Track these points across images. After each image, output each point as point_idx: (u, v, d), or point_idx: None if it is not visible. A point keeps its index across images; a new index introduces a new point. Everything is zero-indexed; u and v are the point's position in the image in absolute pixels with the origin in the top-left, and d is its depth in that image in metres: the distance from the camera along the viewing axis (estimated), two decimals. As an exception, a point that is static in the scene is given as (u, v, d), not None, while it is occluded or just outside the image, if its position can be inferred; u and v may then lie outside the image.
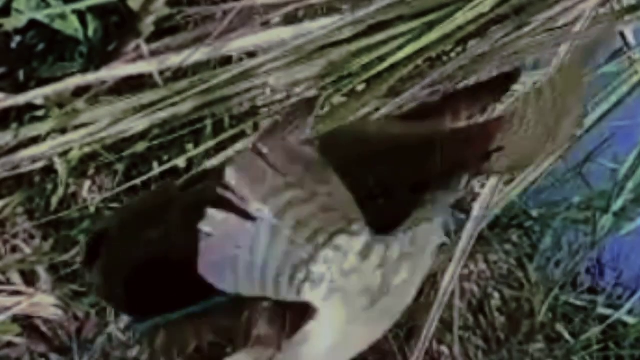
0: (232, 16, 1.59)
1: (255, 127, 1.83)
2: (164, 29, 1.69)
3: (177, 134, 1.79)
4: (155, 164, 1.91)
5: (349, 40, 1.55)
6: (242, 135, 1.82)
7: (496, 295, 2.31)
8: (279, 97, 1.78)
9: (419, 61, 1.52)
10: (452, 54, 1.50)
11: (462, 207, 1.61)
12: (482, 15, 1.50)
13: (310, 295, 0.63)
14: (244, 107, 1.77)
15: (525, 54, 1.44)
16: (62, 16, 1.61)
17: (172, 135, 1.79)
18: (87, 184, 1.91)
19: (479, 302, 2.30)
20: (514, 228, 2.23)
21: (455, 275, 1.47)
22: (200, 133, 1.84)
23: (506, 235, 2.24)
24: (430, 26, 1.48)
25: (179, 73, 1.72)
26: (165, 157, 1.91)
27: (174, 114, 1.72)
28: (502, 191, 1.56)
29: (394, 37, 1.50)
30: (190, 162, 1.90)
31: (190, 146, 1.90)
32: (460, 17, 1.47)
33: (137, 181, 1.83)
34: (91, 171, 1.90)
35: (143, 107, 1.71)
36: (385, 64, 1.49)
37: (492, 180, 1.56)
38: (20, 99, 1.68)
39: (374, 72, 1.50)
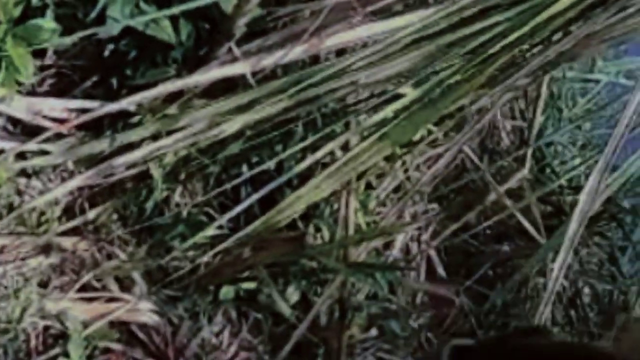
0: (324, 14, 1.59)
1: (347, 126, 1.82)
2: (255, 30, 1.69)
3: (269, 135, 1.78)
4: (245, 168, 1.91)
5: (442, 33, 1.53)
6: (332, 135, 1.81)
7: (587, 290, 2.27)
8: (369, 94, 1.77)
9: (517, 50, 1.49)
10: (552, 40, 1.47)
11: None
12: (579, 2, 1.48)
13: None
14: (335, 105, 1.76)
15: (628, 36, 1.41)
16: (156, 22, 1.62)
17: (264, 136, 1.78)
18: (179, 189, 1.92)
19: (570, 297, 2.26)
20: (605, 220, 2.18)
21: (564, 265, 1.43)
22: (291, 134, 1.84)
23: (597, 227, 2.19)
24: (527, 14, 1.46)
25: (271, 74, 1.72)
26: (255, 159, 1.91)
27: (266, 115, 1.72)
28: (605, 184, 1.53)
29: (491, 27, 1.48)
30: (281, 164, 1.90)
31: (279, 147, 1.90)
32: (559, 3, 1.45)
33: (228, 186, 1.83)
34: (182, 176, 1.91)
35: (236, 110, 1.71)
36: (483, 55, 1.47)
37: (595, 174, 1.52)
38: (114, 107, 1.70)
39: (471, 63, 1.47)
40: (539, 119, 1.75)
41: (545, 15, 1.43)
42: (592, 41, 1.44)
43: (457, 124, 1.83)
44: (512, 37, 1.44)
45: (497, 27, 1.51)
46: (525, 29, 1.43)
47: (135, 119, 1.75)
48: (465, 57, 1.54)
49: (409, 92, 1.59)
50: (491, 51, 1.46)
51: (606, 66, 1.91)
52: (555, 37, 1.52)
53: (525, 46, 1.51)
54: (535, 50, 1.52)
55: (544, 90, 1.66)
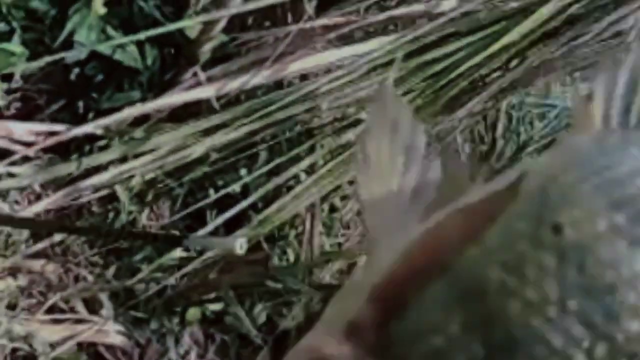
0: (288, 40, 1.62)
1: (311, 149, 1.85)
2: (219, 56, 1.72)
3: (233, 158, 1.81)
4: (210, 190, 1.94)
5: (404, 59, 1.57)
6: (297, 158, 1.84)
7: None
8: (332, 118, 1.80)
9: (475, 76, 1.53)
10: (509, 67, 1.51)
11: None
12: (534, 29, 1.52)
13: None
14: (299, 129, 1.79)
15: (581, 63, 1.45)
16: (122, 47, 1.65)
17: (229, 159, 1.81)
18: (146, 211, 1.94)
19: None
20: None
21: None
22: (256, 158, 1.87)
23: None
24: (484, 42, 1.50)
25: (235, 98, 1.75)
26: (221, 183, 1.93)
27: (231, 138, 1.75)
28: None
29: (450, 54, 1.52)
30: (246, 187, 1.92)
31: (244, 170, 1.93)
32: (514, 32, 1.49)
33: (194, 208, 1.85)
34: (149, 199, 1.93)
35: (201, 133, 1.74)
36: (443, 80, 1.51)
37: None
38: (81, 130, 1.72)
39: (431, 88, 1.51)
40: (499, 142, 1.79)
41: (501, 43, 1.47)
42: (547, 68, 1.48)
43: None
44: (470, 64, 1.48)
45: (456, 54, 1.55)
46: (483, 55, 1.47)
47: (102, 142, 1.77)
48: (425, 82, 1.57)
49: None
50: (450, 77, 1.49)
51: (564, 91, 1.95)
52: (512, 64, 1.56)
53: (484, 72, 1.55)
54: (492, 76, 1.55)
55: (503, 114, 1.71)
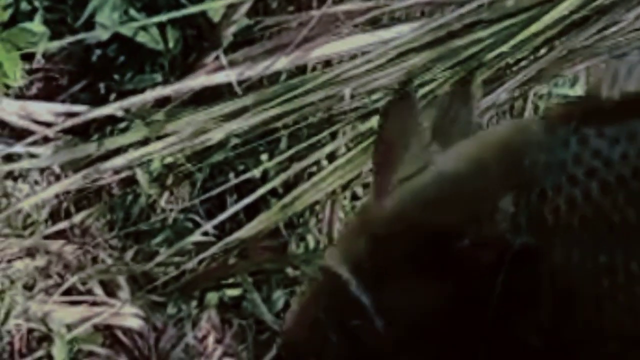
0: (310, 25, 1.60)
1: (333, 136, 1.83)
2: (242, 40, 1.70)
3: (254, 143, 1.80)
4: (231, 175, 1.93)
5: (428, 46, 1.55)
6: (317, 145, 1.82)
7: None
8: (356, 105, 1.78)
9: (501, 65, 1.51)
10: (536, 56, 1.48)
11: None
12: (563, 18, 1.49)
13: None
14: (321, 115, 1.78)
15: (611, 53, 1.42)
16: (144, 28, 1.63)
17: (250, 145, 1.80)
18: (165, 195, 1.93)
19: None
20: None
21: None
22: (277, 143, 1.85)
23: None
24: (511, 30, 1.47)
25: (257, 83, 1.74)
26: (241, 168, 1.92)
27: (252, 123, 1.73)
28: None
29: (476, 42, 1.49)
30: (267, 173, 1.91)
31: (264, 156, 1.91)
32: (541, 21, 1.46)
33: (214, 192, 1.84)
34: (169, 182, 1.92)
35: (222, 118, 1.73)
36: (468, 69, 1.49)
37: None
38: (101, 112, 1.71)
39: (456, 77, 1.49)
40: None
41: (529, 31, 1.45)
42: (575, 58, 1.45)
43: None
44: (496, 52, 1.45)
45: (482, 42, 1.52)
46: (510, 44, 1.45)
47: (123, 124, 1.76)
48: (450, 70, 1.55)
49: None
50: (475, 65, 1.47)
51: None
52: (539, 54, 1.53)
53: (509, 61, 1.53)
54: (519, 66, 1.53)
55: (530, 105, 1.68)
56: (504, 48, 1.46)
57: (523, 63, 1.54)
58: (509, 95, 1.54)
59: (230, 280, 1.97)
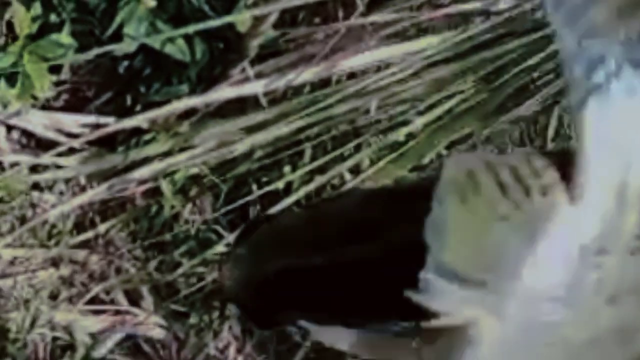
0: (337, 37, 1.60)
1: (357, 148, 1.83)
2: (268, 51, 1.71)
3: (278, 155, 1.80)
4: (254, 187, 1.93)
5: (455, 58, 1.55)
6: (341, 158, 1.82)
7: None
8: (380, 117, 1.78)
9: (528, 78, 1.51)
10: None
11: None
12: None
13: None
14: (345, 127, 1.78)
15: None
16: (171, 40, 1.64)
17: (274, 157, 1.80)
18: (189, 206, 1.93)
19: None
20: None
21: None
22: (301, 155, 1.86)
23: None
24: (539, 43, 1.47)
25: (282, 95, 1.74)
26: (265, 179, 1.93)
27: (277, 135, 1.74)
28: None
29: (504, 54, 1.49)
30: (290, 185, 1.91)
31: (287, 168, 1.92)
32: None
33: (237, 204, 1.85)
34: (192, 193, 1.93)
35: (247, 129, 1.73)
36: (495, 82, 1.49)
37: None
38: (127, 123, 1.72)
39: (483, 89, 1.49)
40: (549, 146, 1.77)
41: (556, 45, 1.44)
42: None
43: (467, 149, 1.85)
44: (524, 65, 1.45)
45: (510, 54, 1.52)
46: (539, 57, 1.45)
47: (148, 135, 1.77)
48: (477, 83, 1.55)
49: (420, 117, 1.61)
50: (503, 78, 1.47)
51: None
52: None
53: (538, 74, 1.53)
54: (545, 78, 1.53)
55: (554, 119, 1.68)
56: (533, 61, 1.46)
57: (550, 76, 1.54)
58: (535, 108, 1.55)
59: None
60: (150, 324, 1.94)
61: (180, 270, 1.91)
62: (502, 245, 0.64)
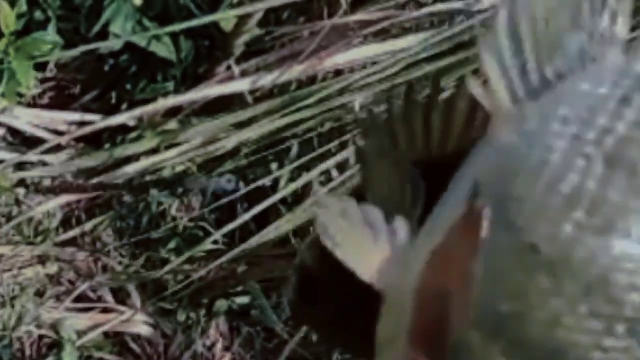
0: (322, 35, 1.61)
1: (342, 146, 1.84)
2: (254, 49, 1.71)
3: (265, 152, 1.81)
4: (241, 184, 1.93)
5: (440, 56, 1.56)
6: (327, 155, 1.83)
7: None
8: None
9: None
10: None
11: None
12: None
13: None
14: (331, 125, 1.78)
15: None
16: (157, 38, 1.65)
17: (260, 154, 1.81)
18: (176, 203, 1.94)
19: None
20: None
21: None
22: (288, 153, 1.86)
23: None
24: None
25: (268, 93, 1.75)
26: (251, 176, 1.93)
27: (263, 133, 1.74)
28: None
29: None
30: (277, 182, 1.92)
31: (275, 165, 1.92)
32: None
33: (224, 201, 1.85)
34: (179, 191, 1.93)
35: (233, 127, 1.74)
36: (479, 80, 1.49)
37: None
38: (113, 121, 1.72)
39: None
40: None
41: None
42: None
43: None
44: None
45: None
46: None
47: (135, 133, 1.77)
48: (461, 81, 1.56)
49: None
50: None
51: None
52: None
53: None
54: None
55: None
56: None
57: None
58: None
59: (239, 288, 1.98)
60: (138, 322, 1.95)
61: (167, 268, 1.91)
62: None
